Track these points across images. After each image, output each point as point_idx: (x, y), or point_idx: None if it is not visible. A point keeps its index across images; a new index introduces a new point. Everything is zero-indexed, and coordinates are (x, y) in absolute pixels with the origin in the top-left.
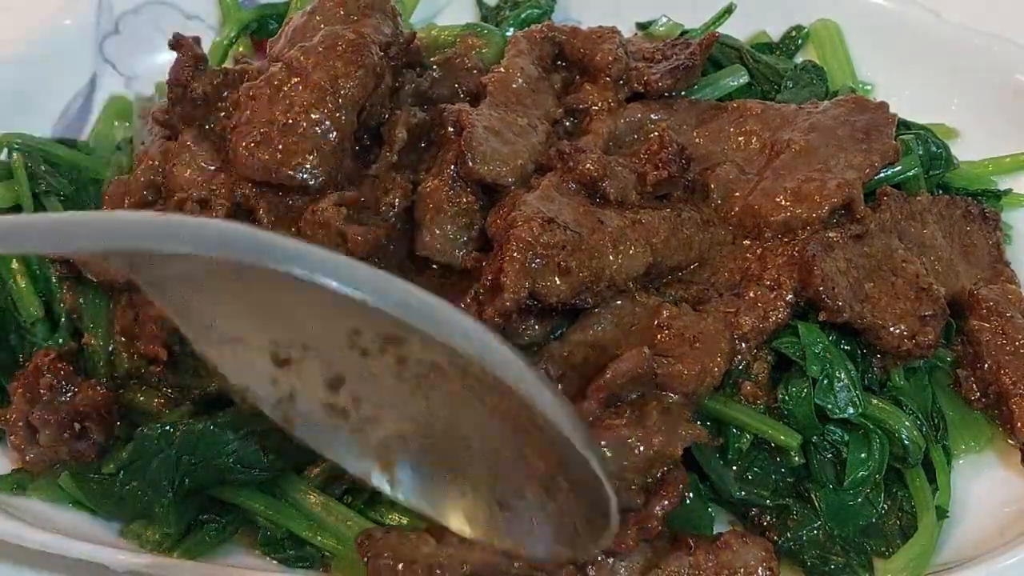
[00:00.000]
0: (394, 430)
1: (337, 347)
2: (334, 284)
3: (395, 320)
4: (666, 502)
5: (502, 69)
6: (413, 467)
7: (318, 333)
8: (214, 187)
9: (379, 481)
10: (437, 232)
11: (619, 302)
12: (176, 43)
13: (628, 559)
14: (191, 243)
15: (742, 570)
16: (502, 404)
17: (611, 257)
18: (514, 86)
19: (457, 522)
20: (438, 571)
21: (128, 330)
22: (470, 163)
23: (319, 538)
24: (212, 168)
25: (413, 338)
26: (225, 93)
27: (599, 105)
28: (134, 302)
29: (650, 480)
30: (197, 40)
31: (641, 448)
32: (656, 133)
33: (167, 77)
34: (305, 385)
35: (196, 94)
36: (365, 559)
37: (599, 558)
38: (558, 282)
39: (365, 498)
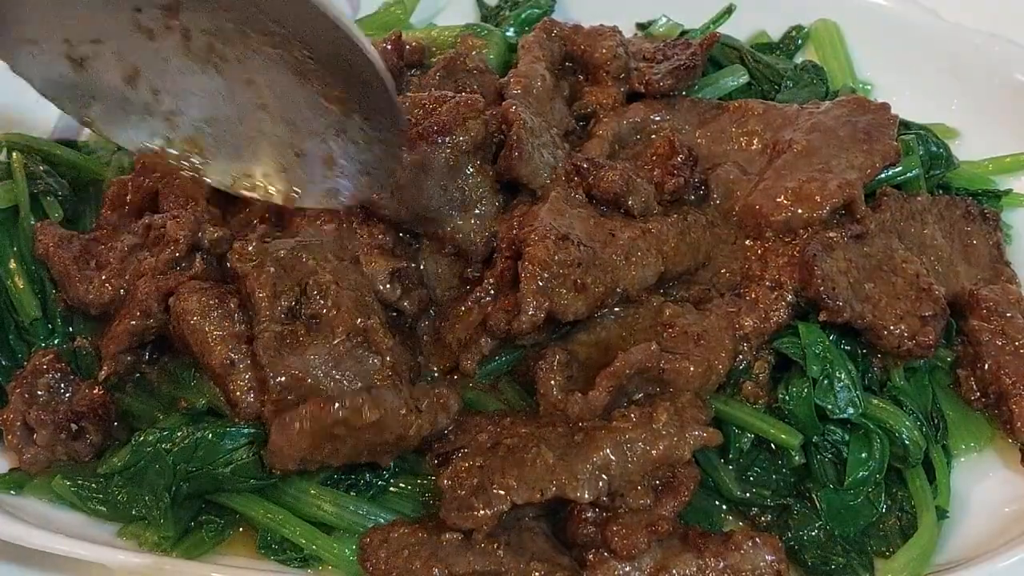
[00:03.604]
0: (197, 114)
1: (125, 35)
2: None
3: None
4: (675, 502)
5: (524, 75)
6: (221, 145)
7: (104, 21)
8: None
9: (194, 166)
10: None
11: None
12: None
13: (638, 560)
14: None
15: (751, 572)
16: (287, 53)
17: (624, 270)
18: (535, 92)
19: (269, 186)
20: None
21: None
22: (515, 159)
23: (317, 543)
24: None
25: (189, 2)
26: None
27: (603, 104)
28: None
29: (658, 481)
30: None
31: (648, 449)
32: (662, 136)
33: None
34: (105, 83)
35: None
36: (366, 566)
37: (608, 561)
38: (575, 300)
39: (369, 495)
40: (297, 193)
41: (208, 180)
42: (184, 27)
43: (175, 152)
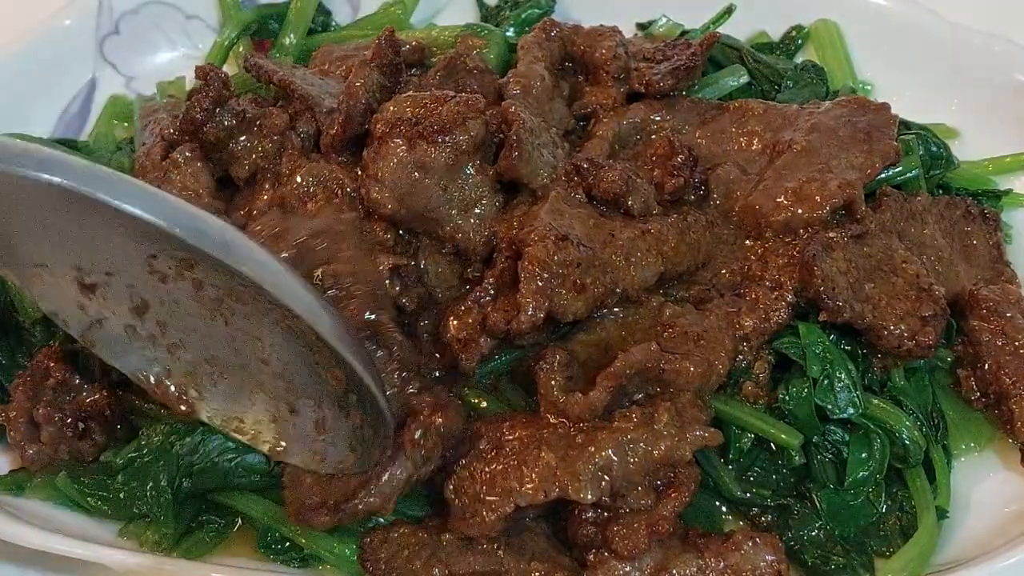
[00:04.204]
0: (199, 353)
1: (138, 273)
2: (134, 210)
3: (189, 246)
4: (676, 503)
5: (523, 76)
6: (218, 385)
7: (118, 259)
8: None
9: (189, 400)
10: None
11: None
12: (203, 74)
13: (639, 560)
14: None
15: (751, 572)
16: (294, 326)
17: (624, 270)
18: (534, 92)
19: (259, 432)
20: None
21: None
22: (515, 159)
23: (317, 543)
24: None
25: (206, 263)
26: (243, 138)
27: (603, 104)
28: None
29: (660, 481)
30: (225, 79)
31: (650, 450)
32: (662, 136)
33: (182, 109)
34: (112, 311)
35: (207, 138)
36: (366, 566)
37: (608, 561)
38: (575, 300)
39: None
40: (283, 447)
41: (200, 416)
42: (198, 279)
43: (172, 383)
